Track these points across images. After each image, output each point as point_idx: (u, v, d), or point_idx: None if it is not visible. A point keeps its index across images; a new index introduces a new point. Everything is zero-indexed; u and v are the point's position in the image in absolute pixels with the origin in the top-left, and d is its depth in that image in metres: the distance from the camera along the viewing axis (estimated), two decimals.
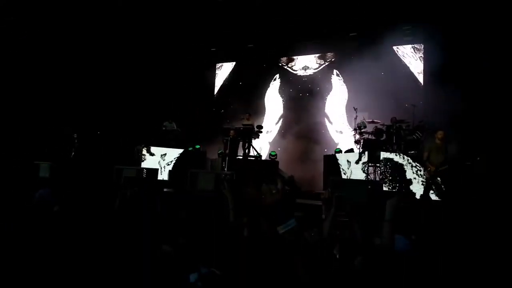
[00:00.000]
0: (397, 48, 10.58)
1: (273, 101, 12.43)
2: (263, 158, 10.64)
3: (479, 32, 8.66)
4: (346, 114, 11.12)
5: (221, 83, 13.28)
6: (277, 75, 12.39)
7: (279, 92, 12.37)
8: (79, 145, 9.34)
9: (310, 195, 7.92)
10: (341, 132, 11.27)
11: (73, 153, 9.23)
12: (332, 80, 11.57)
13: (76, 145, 9.28)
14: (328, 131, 11.49)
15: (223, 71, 13.29)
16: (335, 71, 11.56)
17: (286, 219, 1.68)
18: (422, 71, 10.22)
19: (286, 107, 12.18)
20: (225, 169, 8.84)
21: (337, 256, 2.06)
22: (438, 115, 8.27)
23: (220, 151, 9.92)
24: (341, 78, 11.42)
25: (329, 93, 11.56)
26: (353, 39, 10.72)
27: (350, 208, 2.46)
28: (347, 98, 11.24)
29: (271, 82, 12.46)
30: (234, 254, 1.63)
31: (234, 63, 13.11)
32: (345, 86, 11.35)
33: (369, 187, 6.14)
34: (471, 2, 8.65)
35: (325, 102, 11.58)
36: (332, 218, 2.62)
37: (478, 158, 6.81)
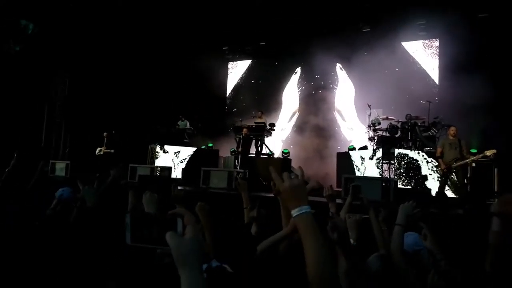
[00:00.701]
0: (407, 44, 10.39)
1: (289, 97, 12.38)
2: (276, 156, 10.61)
3: (496, 24, 8.45)
4: (356, 110, 11.02)
5: (236, 81, 13.32)
6: (298, 69, 12.32)
7: (298, 86, 12.32)
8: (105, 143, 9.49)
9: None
10: (352, 128, 11.18)
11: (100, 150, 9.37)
12: (338, 75, 11.49)
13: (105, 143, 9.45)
14: (340, 128, 11.41)
15: (238, 69, 13.32)
16: (338, 65, 11.47)
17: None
18: (436, 67, 10.03)
19: (303, 102, 12.13)
20: (238, 167, 8.86)
21: (354, 244, 2.03)
22: (453, 110, 8.12)
23: (233, 149, 9.94)
24: (345, 72, 11.33)
25: (337, 88, 11.51)
26: (366, 35, 10.57)
27: (367, 198, 2.45)
28: (354, 93, 11.16)
29: (291, 76, 12.40)
30: (242, 253, 1.62)
31: (249, 61, 13.13)
32: (351, 81, 11.25)
33: (383, 184, 6.09)
34: None
35: (335, 98, 11.51)
36: (348, 207, 2.61)
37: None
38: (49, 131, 11.07)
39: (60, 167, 7.97)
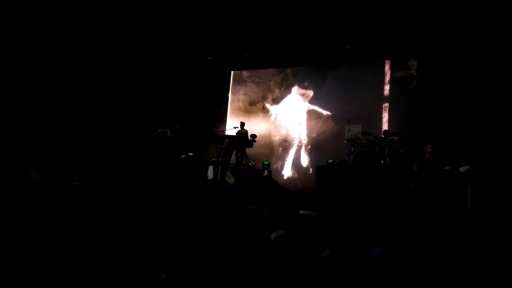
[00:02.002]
0: (385, 61, 10.74)
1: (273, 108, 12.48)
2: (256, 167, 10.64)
3: (472, 43, 8.83)
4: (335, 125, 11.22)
5: (219, 91, 13.33)
6: (281, 80, 12.45)
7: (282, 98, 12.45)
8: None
9: (302, 205, 7.95)
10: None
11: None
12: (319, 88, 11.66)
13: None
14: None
15: (221, 79, 13.36)
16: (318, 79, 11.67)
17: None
18: (413, 85, 10.37)
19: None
20: (218, 177, 8.82)
21: None
22: (430, 129, 8.44)
23: (214, 159, 9.90)
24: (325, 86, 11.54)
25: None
26: (346, 52, 10.85)
27: None
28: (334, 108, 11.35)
29: (275, 88, 12.51)
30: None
31: (232, 71, 13.21)
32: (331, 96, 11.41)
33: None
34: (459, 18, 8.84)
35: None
36: None
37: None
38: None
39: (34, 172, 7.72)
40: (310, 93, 11.83)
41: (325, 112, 11.45)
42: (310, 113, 11.72)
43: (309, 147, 11.50)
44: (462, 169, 6.42)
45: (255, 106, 12.61)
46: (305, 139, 11.62)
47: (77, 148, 9.55)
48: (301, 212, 6.94)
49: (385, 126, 10.03)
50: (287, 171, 11.61)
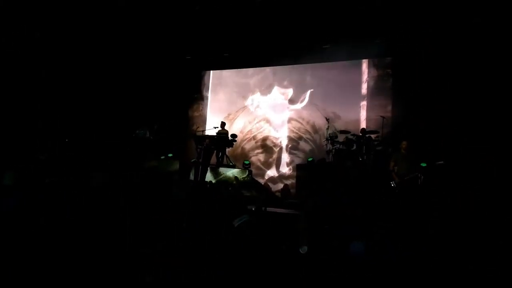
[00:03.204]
0: (363, 61, 10.91)
1: (254, 107, 12.48)
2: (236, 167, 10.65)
3: (450, 43, 9.05)
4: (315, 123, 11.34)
5: (199, 91, 13.26)
6: (261, 80, 12.47)
7: (262, 97, 12.46)
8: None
9: (283, 203, 8.02)
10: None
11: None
12: (298, 88, 11.77)
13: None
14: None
15: (202, 79, 13.28)
16: (297, 78, 11.79)
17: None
18: (390, 83, 10.57)
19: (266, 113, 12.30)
20: (199, 178, 8.80)
21: None
22: (406, 126, 8.65)
23: (194, 159, 9.85)
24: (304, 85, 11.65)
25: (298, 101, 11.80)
26: (324, 51, 10.96)
27: None
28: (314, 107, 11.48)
29: (255, 88, 12.51)
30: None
31: (212, 71, 13.17)
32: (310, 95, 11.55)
33: None
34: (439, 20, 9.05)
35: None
36: None
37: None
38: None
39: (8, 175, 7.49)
40: (290, 92, 11.91)
41: (305, 111, 11.56)
42: (290, 112, 11.80)
43: (289, 146, 11.58)
44: (438, 163, 6.70)
45: (235, 106, 12.60)
46: (285, 138, 11.69)
47: (55, 148, 9.34)
48: (281, 210, 6.99)
49: (362, 124, 10.20)
50: (268, 171, 11.67)
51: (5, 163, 7.81)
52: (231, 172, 9.15)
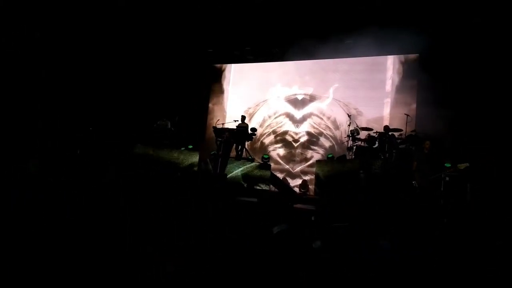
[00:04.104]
0: (388, 57, 10.65)
1: (273, 102, 12.42)
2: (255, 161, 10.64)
3: (476, 41, 8.76)
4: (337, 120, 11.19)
5: (220, 84, 13.29)
6: (282, 74, 12.36)
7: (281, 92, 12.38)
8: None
9: (302, 199, 7.98)
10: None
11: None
12: (321, 83, 11.62)
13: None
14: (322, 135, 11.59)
15: (223, 72, 13.31)
16: (321, 74, 11.62)
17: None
18: (416, 81, 10.30)
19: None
20: (218, 170, 8.82)
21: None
22: (431, 125, 8.41)
23: (213, 152, 9.89)
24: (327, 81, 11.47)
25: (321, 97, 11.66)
26: (347, 46, 10.75)
27: None
28: (336, 103, 11.34)
29: (275, 82, 12.42)
30: None
31: (234, 65, 13.15)
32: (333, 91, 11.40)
33: None
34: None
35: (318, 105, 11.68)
36: None
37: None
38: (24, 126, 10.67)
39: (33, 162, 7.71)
40: (311, 87, 11.78)
41: (326, 107, 11.42)
42: (311, 107, 11.68)
43: (309, 141, 11.48)
44: (461, 166, 6.42)
45: (256, 100, 12.57)
46: (305, 134, 11.59)
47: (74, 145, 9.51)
48: (298, 206, 6.95)
49: (385, 122, 10.01)
50: (287, 166, 11.61)
51: (5, 163, 7.97)
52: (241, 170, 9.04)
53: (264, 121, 12.30)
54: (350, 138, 9.19)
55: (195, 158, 9.28)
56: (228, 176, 8.62)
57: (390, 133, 8.73)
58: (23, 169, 7.24)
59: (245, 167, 9.13)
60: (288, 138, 11.76)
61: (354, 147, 9.02)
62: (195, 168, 9.05)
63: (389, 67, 10.62)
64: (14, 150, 8.75)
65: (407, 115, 9.05)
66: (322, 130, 11.40)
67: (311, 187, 9.82)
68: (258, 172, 8.80)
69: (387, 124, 9.50)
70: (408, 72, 10.36)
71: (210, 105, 13.18)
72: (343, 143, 10.15)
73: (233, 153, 10.04)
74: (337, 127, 11.14)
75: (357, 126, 9.34)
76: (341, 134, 10.76)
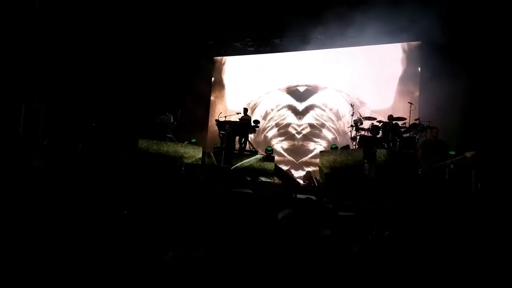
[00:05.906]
0: (390, 45, 10.54)
1: (275, 94, 12.36)
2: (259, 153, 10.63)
3: (478, 27, 8.67)
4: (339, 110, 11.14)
5: (222, 77, 13.24)
6: (285, 66, 12.27)
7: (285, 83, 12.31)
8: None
9: (307, 190, 7.95)
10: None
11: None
12: (324, 73, 11.54)
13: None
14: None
15: (224, 65, 13.25)
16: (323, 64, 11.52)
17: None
18: (418, 69, 10.22)
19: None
20: (222, 163, 8.82)
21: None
22: (435, 113, 8.35)
23: (216, 145, 9.89)
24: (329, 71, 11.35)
25: (324, 88, 11.58)
26: (349, 35, 10.65)
27: None
28: (339, 93, 11.28)
29: (278, 73, 12.35)
30: None
31: (236, 57, 13.08)
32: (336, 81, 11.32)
33: None
34: None
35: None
36: None
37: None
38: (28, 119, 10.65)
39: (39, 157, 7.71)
40: (314, 78, 11.72)
41: (328, 98, 11.37)
42: (313, 99, 11.63)
43: (312, 133, 11.45)
44: (468, 154, 6.32)
45: (257, 93, 12.52)
46: (308, 126, 11.56)
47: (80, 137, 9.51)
48: (302, 196, 6.93)
49: (389, 111, 9.94)
50: (290, 158, 11.60)
51: (5, 162, 7.95)
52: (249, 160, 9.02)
53: (266, 114, 12.26)
54: (354, 128, 9.14)
55: (198, 152, 9.27)
56: (231, 168, 8.61)
57: (393, 122, 8.67)
58: (24, 168, 7.21)
59: (249, 159, 9.11)
60: (291, 130, 11.73)
61: (358, 137, 8.97)
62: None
63: (391, 55, 10.54)
64: (14, 150, 8.76)
65: (411, 104, 8.98)
66: (324, 122, 11.35)
67: (316, 178, 9.79)
68: (262, 164, 8.78)
69: (391, 114, 9.43)
70: (411, 60, 10.28)
71: (212, 98, 13.15)
72: (346, 133, 10.11)
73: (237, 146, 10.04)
74: (339, 118, 11.09)
75: (360, 115, 9.28)
76: (344, 124, 10.71)
